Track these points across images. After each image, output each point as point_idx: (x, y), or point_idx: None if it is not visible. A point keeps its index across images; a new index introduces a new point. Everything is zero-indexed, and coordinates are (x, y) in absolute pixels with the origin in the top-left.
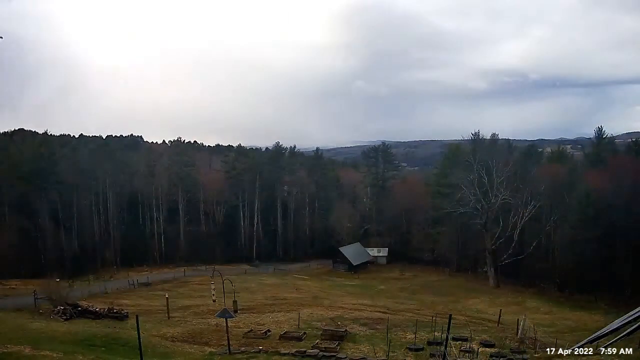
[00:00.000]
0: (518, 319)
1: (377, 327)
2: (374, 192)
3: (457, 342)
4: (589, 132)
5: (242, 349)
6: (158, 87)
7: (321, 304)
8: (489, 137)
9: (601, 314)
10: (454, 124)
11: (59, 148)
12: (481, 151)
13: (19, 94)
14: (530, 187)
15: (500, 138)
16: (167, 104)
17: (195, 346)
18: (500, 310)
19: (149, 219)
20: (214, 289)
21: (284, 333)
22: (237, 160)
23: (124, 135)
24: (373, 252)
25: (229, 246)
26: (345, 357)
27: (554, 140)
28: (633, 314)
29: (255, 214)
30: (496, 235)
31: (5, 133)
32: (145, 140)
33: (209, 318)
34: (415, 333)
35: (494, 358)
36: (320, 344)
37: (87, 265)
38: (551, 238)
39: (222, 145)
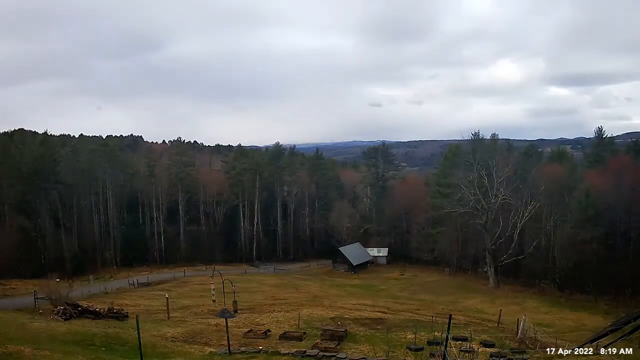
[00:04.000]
0: (518, 319)
1: (377, 327)
2: (374, 192)
3: (457, 342)
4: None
5: (242, 349)
6: None
7: (321, 304)
8: (489, 137)
9: (601, 314)
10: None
11: (59, 148)
12: (481, 151)
13: None
14: (530, 187)
15: (500, 138)
16: None
17: (195, 346)
18: (500, 310)
19: (149, 219)
20: (214, 289)
21: (284, 333)
22: (237, 160)
23: (124, 135)
24: (373, 252)
25: (229, 246)
26: (345, 357)
27: (554, 140)
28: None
29: (255, 214)
30: (496, 235)
31: (5, 133)
32: (145, 140)
33: (209, 318)
34: (415, 333)
35: (494, 358)
36: (320, 344)
37: (87, 265)
38: (551, 238)
39: (222, 145)
